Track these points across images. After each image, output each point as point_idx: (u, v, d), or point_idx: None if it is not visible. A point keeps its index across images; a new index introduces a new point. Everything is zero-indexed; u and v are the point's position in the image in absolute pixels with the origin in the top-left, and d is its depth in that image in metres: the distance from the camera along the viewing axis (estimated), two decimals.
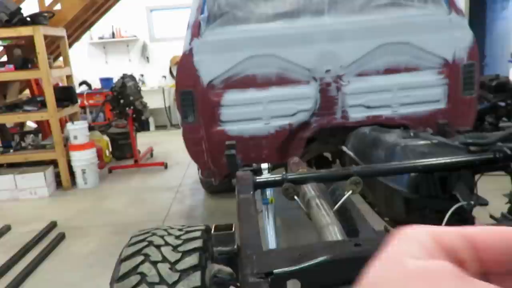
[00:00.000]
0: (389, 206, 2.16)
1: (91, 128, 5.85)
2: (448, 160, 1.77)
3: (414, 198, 1.92)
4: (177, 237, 1.56)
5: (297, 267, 0.97)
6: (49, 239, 3.78)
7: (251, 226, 1.17)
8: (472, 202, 1.71)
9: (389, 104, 2.89)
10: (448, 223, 1.62)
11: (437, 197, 1.85)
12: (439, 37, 2.83)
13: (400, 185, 1.91)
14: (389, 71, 2.86)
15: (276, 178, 1.64)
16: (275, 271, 0.97)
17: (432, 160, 1.78)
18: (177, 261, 1.42)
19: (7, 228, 4.13)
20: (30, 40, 5.19)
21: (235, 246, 1.08)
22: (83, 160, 5.30)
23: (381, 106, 2.89)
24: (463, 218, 1.74)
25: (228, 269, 0.93)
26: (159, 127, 9.46)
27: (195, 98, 2.78)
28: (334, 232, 1.46)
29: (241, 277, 0.98)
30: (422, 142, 2.08)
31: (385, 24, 2.84)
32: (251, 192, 1.44)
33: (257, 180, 1.61)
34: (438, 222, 1.64)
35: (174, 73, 8.21)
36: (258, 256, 1.04)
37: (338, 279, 1.01)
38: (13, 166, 5.36)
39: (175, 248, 1.49)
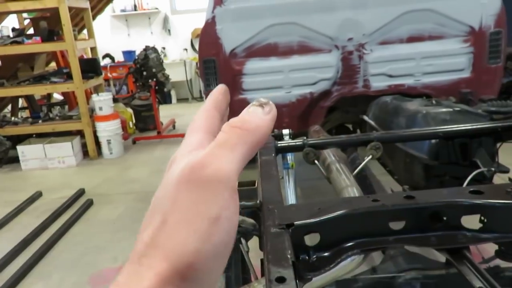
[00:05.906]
0: (409, 173, 2.18)
1: (115, 100, 5.96)
2: (470, 127, 1.76)
3: (434, 165, 1.94)
4: None
5: (317, 220, 1.01)
6: (78, 205, 3.95)
7: (273, 183, 1.21)
8: (493, 169, 1.72)
9: (411, 73, 2.86)
10: None
11: (457, 164, 1.86)
12: (465, 3, 2.77)
13: (420, 151, 1.92)
14: (412, 39, 2.82)
15: (297, 143, 1.67)
16: (296, 222, 1.01)
17: (454, 126, 1.78)
18: None
19: (39, 194, 4.33)
20: (55, 12, 5.28)
21: (258, 201, 1.13)
22: (108, 130, 5.44)
23: (404, 75, 2.87)
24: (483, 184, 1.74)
25: (251, 220, 0.98)
26: (180, 100, 9.55)
27: (217, 66, 2.82)
28: (353, 193, 1.50)
29: (263, 228, 1.04)
30: (444, 109, 2.07)
31: None
32: (273, 155, 1.48)
33: (279, 144, 1.64)
34: None
35: (196, 46, 8.22)
36: (279, 209, 1.08)
37: (357, 233, 1.05)
38: (42, 136, 5.56)
39: None
